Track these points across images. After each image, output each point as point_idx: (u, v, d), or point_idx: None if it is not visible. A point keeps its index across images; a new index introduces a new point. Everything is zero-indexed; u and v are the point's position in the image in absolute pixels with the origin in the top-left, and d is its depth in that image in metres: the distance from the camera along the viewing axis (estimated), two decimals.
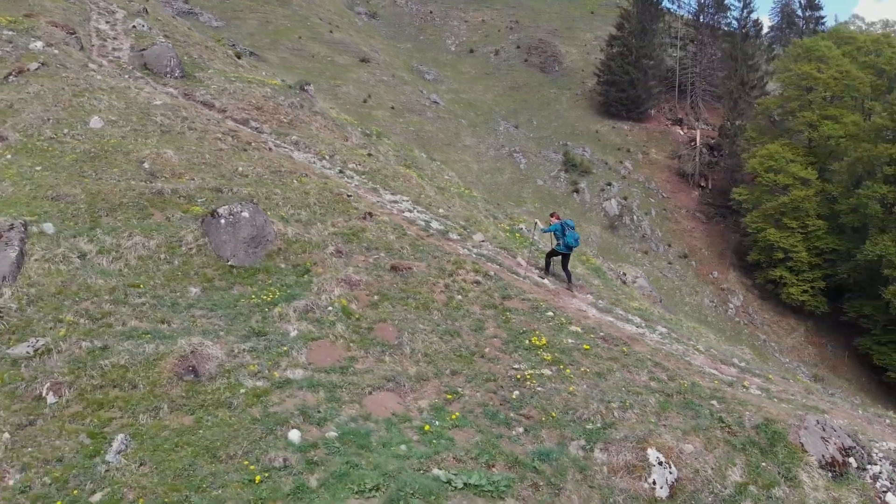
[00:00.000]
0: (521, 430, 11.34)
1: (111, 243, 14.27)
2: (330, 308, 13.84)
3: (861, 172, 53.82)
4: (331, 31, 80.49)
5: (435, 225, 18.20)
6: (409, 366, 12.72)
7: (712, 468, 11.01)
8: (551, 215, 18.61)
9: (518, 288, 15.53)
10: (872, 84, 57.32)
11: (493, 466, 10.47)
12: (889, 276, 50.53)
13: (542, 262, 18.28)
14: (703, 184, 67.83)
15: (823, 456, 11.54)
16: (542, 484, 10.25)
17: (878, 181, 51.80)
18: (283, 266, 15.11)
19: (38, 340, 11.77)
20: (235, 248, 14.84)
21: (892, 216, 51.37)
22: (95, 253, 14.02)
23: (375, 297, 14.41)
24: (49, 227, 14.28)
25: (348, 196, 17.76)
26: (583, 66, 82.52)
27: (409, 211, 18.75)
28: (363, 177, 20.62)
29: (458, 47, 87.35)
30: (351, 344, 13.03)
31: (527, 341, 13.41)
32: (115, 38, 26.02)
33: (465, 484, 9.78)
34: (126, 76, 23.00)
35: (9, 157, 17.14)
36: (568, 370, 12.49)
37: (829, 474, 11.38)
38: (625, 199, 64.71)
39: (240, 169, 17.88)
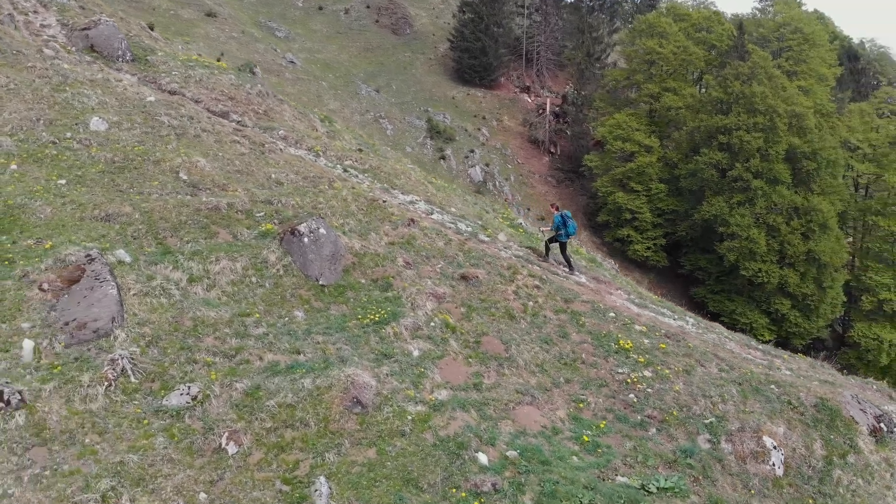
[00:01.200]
0: (654, 430, 12.88)
1: (199, 269, 13.60)
2: (433, 324, 14.35)
3: (698, 140, 60.44)
4: None
5: (462, 227, 18.90)
6: (527, 377, 13.72)
7: (803, 445, 13.31)
8: (552, 206, 20.03)
9: (570, 289, 16.87)
10: (706, 58, 64.20)
11: (658, 468, 11.95)
12: (722, 233, 57.87)
13: (559, 259, 19.69)
14: (552, 150, 72.36)
15: (868, 425, 14.31)
16: (700, 478, 11.92)
17: (713, 149, 58.57)
18: (363, 281, 15.21)
19: (189, 387, 11.31)
20: (322, 267, 14.71)
21: (725, 180, 58.46)
22: (186, 281, 13.34)
23: (463, 309, 15.08)
24: (124, 255, 13.31)
25: (383, 202, 17.88)
26: (433, 30, 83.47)
27: (430, 213, 19.22)
28: (366, 175, 20.59)
29: (305, 3, 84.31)
30: (469, 359, 13.73)
31: (613, 345, 14.88)
32: (35, 13, 22.93)
33: (657, 488, 11.18)
34: (85, 63, 20.63)
35: (14, 167, 15.29)
36: (667, 371, 14.17)
37: (874, 439, 14.17)
38: (487, 165, 67.51)
39: (273, 176, 17.27)
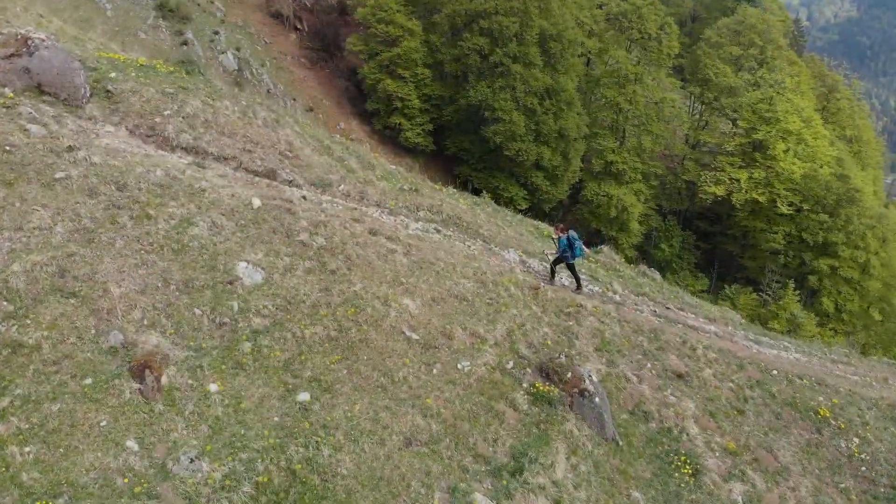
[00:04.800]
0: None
1: (548, 484, 11.55)
2: (717, 452, 14.29)
3: (459, 24, 60.65)
4: None
5: (593, 288, 17.93)
6: (802, 480, 14.74)
7: None
8: (557, 228, 18.95)
9: (724, 348, 17.62)
10: None
11: None
12: (487, 117, 60.81)
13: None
14: (298, 26, 66.20)
15: None
16: None
17: (475, 34, 59.58)
18: (624, 416, 14.15)
19: None
20: (611, 424, 13.28)
21: (487, 65, 60.48)
22: (551, 485, 11.24)
23: (711, 421, 15.08)
24: (486, 502, 10.62)
25: (543, 288, 16.05)
26: None
27: (549, 274, 17.71)
28: (452, 229, 17.73)
29: None
30: (769, 486, 14.21)
31: (813, 415, 16.35)
32: None
33: None
34: (94, 133, 13.15)
35: (215, 387, 10.48)
36: (868, 436, 16.28)
37: None
38: (238, 50, 59.47)
39: (450, 289, 14.11)
